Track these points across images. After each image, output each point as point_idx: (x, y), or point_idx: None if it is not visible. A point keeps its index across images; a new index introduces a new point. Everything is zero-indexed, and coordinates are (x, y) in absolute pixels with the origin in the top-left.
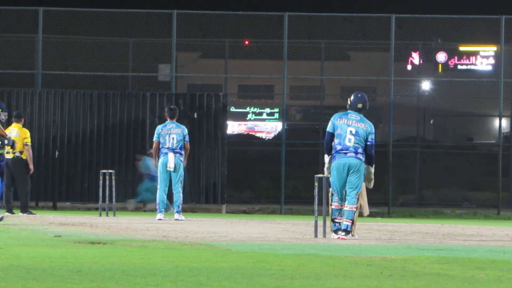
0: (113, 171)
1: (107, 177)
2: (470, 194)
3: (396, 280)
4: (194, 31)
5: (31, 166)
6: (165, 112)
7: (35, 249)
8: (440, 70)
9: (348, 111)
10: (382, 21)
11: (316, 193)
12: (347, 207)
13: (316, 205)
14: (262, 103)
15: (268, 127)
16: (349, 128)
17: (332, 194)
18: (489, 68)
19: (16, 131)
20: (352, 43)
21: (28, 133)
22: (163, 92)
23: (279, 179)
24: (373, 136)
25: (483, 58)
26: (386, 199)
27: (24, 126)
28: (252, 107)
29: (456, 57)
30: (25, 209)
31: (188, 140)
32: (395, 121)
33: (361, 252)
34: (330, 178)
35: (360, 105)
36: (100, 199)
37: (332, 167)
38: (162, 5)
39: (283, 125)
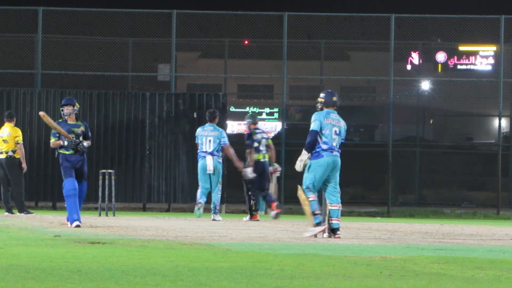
0: (113, 171)
1: (106, 177)
2: (469, 194)
3: (395, 280)
4: (194, 31)
5: (24, 165)
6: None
7: (34, 249)
8: (439, 70)
9: (328, 110)
10: (382, 21)
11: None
12: (335, 206)
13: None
14: (261, 103)
15: (267, 127)
16: (334, 128)
17: (305, 191)
18: (489, 68)
19: (7, 131)
20: (352, 43)
21: (19, 132)
22: (162, 92)
23: (279, 179)
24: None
25: (482, 58)
26: (385, 199)
27: (23, 125)
28: (252, 107)
29: (455, 57)
30: (22, 209)
31: (226, 142)
32: (395, 121)
33: (360, 252)
34: (309, 174)
35: (335, 98)
36: (100, 199)
37: (318, 164)
38: (161, 5)
39: (283, 125)
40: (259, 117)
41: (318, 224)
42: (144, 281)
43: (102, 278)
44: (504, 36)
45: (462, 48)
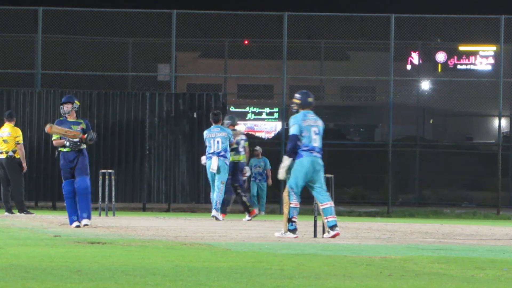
0: (113, 171)
1: (106, 177)
2: (469, 194)
3: (395, 280)
4: (194, 31)
5: (24, 165)
6: (209, 118)
7: (34, 248)
8: (439, 70)
9: (305, 111)
10: (382, 21)
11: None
12: (326, 204)
13: (316, 205)
14: (261, 102)
15: (267, 126)
16: (313, 129)
17: (290, 193)
18: (489, 68)
19: (8, 131)
20: (352, 43)
21: (19, 132)
22: (162, 92)
23: (278, 179)
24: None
25: (482, 58)
26: (385, 199)
27: (23, 125)
28: (252, 107)
29: (455, 57)
30: (22, 209)
31: (233, 140)
32: (395, 121)
33: (360, 251)
34: (292, 174)
35: (310, 99)
36: (100, 199)
37: (299, 164)
38: (161, 5)
39: (283, 125)
40: (259, 117)
41: (291, 231)
42: (144, 281)
43: (102, 278)
44: (504, 36)
45: (462, 48)
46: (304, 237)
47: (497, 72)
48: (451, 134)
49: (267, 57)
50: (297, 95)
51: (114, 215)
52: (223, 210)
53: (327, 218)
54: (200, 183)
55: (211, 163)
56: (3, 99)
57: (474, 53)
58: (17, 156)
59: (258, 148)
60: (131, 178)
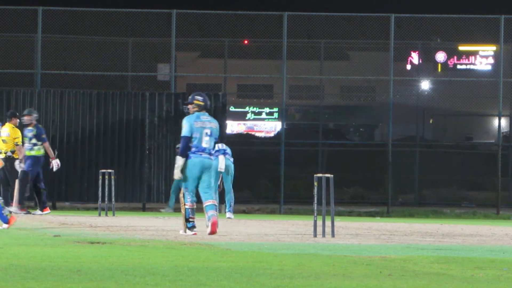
0: (113, 170)
1: (106, 176)
2: (469, 194)
3: (395, 280)
4: (193, 31)
5: (23, 165)
6: None
7: (34, 248)
8: (439, 70)
9: (198, 113)
10: (382, 20)
11: (316, 193)
12: (209, 202)
13: (316, 204)
14: (261, 102)
15: (267, 126)
16: (205, 130)
17: (184, 194)
18: (489, 67)
19: (7, 131)
20: (352, 42)
21: (19, 133)
22: (162, 92)
23: (278, 178)
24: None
25: (482, 57)
26: (385, 199)
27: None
28: (252, 107)
29: (455, 57)
30: (20, 200)
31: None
32: (395, 121)
33: (360, 251)
34: (183, 175)
35: (208, 102)
36: (100, 199)
37: (188, 164)
38: (161, 5)
39: (283, 125)
40: (258, 116)
41: (190, 229)
42: (144, 281)
43: (102, 278)
44: (504, 36)
45: (462, 48)
46: (304, 237)
47: (497, 72)
48: (451, 134)
49: (267, 57)
50: (199, 98)
51: (114, 215)
52: (22, 204)
53: (207, 213)
54: None
55: (219, 163)
56: (3, 99)
57: (474, 53)
58: (16, 156)
59: None
60: (131, 178)
